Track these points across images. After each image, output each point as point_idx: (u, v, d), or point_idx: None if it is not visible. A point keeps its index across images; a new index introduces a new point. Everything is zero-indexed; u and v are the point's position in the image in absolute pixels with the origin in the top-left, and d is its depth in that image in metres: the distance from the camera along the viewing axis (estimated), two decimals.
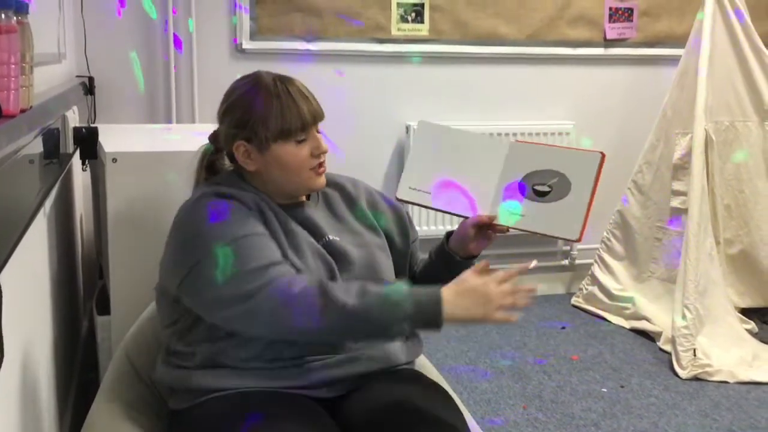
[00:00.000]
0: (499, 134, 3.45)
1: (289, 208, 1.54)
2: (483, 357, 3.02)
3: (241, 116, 1.48)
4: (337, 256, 1.50)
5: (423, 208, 1.64)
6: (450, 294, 1.30)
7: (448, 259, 1.60)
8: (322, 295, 1.31)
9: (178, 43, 3.09)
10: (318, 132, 1.52)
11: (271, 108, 1.46)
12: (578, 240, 1.45)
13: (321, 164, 1.52)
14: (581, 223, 1.44)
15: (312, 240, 1.51)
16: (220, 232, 1.38)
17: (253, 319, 1.33)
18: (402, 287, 1.32)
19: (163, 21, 3.07)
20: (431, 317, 1.29)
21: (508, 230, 1.55)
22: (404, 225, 1.67)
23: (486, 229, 1.55)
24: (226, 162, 1.60)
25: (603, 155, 1.47)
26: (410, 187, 1.61)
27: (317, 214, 1.57)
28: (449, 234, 1.62)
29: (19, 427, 1.35)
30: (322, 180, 1.53)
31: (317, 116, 1.50)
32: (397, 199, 1.65)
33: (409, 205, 1.66)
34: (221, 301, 1.36)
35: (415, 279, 1.68)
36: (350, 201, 1.63)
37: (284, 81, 1.50)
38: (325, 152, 1.51)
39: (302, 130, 1.48)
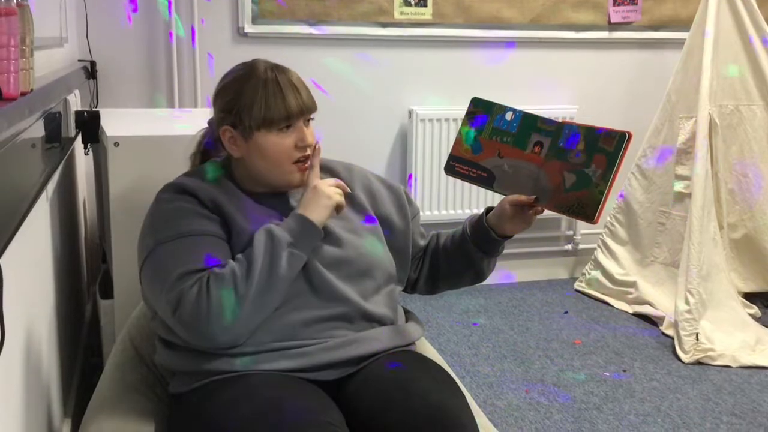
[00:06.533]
0: None
1: (275, 195, 1.54)
2: (485, 341, 3.03)
3: (229, 101, 1.49)
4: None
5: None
6: (303, 208, 1.48)
7: (484, 235, 1.59)
8: (219, 279, 1.37)
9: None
10: (307, 125, 1.51)
11: (256, 95, 1.46)
12: (594, 223, 1.43)
13: (305, 159, 1.50)
14: (599, 206, 1.41)
15: None
16: (162, 231, 1.45)
17: (183, 328, 1.40)
18: (266, 228, 1.44)
19: (165, 5, 3.06)
20: (307, 230, 1.45)
21: (542, 211, 1.53)
22: (402, 204, 1.67)
23: (525, 209, 1.53)
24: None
25: (630, 135, 1.42)
26: (456, 161, 1.59)
27: None
28: (488, 210, 1.61)
29: (23, 410, 1.36)
30: (303, 177, 1.52)
31: (305, 109, 1.49)
32: (446, 172, 1.63)
33: (414, 186, 1.65)
34: (155, 302, 1.46)
35: (437, 252, 1.70)
36: None
37: (276, 70, 1.49)
38: (309, 145, 1.50)
39: (286, 121, 1.47)
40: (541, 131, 1.52)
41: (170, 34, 3.06)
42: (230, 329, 1.38)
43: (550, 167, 1.48)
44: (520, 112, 1.55)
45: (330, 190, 1.49)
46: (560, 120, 1.52)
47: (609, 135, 1.44)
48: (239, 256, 1.42)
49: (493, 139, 1.56)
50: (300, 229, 1.44)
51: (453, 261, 1.68)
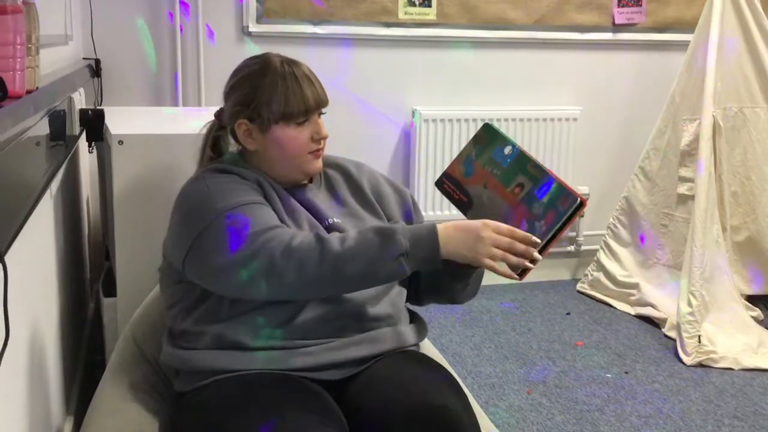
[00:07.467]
0: (506, 119, 3.45)
1: (291, 189, 1.55)
2: (487, 342, 3.02)
3: (246, 95, 1.50)
4: None
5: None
6: (444, 228, 1.35)
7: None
8: (319, 240, 1.34)
9: (182, 27, 3.08)
10: (320, 117, 1.53)
11: (276, 90, 1.48)
12: (518, 280, 1.40)
13: (319, 149, 1.53)
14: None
15: (314, 220, 1.52)
16: (221, 201, 1.40)
17: (256, 279, 1.34)
18: (397, 224, 1.37)
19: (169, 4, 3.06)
20: (428, 251, 1.33)
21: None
22: (408, 207, 1.67)
23: None
24: (231, 142, 1.60)
25: (584, 203, 1.39)
26: (448, 179, 1.58)
27: (319, 196, 1.58)
28: None
29: (25, 408, 1.36)
30: (319, 164, 1.55)
31: (320, 102, 1.52)
32: (436, 185, 1.62)
33: (417, 190, 1.64)
34: (225, 267, 1.35)
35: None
36: (353, 184, 1.63)
37: (291, 64, 1.52)
38: (325, 138, 1.53)
39: (304, 115, 1.49)
40: (527, 174, 1.47)
41: (175, 30, 3.06)
42: (287, 283, 1.33)
43: (519, 211, 1.45)
44: (519, 149, 1.50)
45: (489, 245, 1.32)
46: (548, 169, 1.48)
47: (569, 196, 1.40)
48: (344, 235, 1.36)
49: (485, 168, 1.54)
50: (425, 245, 1.33)
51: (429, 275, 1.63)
